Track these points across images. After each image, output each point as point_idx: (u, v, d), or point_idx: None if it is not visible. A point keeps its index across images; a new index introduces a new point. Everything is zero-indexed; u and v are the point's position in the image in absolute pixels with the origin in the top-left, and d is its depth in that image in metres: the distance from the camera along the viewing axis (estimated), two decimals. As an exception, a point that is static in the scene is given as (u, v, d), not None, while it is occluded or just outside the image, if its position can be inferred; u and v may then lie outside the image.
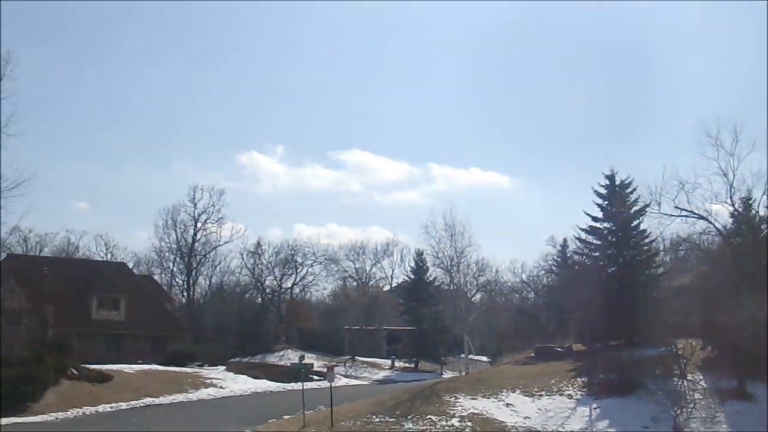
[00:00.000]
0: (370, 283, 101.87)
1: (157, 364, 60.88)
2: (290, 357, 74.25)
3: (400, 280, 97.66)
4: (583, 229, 56.66)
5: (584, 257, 60.83)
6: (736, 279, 44.06)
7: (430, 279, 78.82)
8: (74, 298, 67.17)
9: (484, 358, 75.64)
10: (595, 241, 56.99)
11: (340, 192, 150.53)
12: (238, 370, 64.63)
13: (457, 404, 40.38)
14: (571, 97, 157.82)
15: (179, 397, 49.60)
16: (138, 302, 71.15)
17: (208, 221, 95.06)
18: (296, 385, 48.41)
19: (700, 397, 39.83)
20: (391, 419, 37.46)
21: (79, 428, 37.79)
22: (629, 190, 54.21)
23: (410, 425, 36.64)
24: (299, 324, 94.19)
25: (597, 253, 57.25)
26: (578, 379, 45.26)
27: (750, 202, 47.28)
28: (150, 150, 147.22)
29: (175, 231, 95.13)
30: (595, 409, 40.27)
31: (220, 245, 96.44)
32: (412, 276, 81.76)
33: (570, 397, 42.67)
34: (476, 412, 39.22)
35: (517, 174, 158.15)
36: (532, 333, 72.93)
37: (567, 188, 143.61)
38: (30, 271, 65.55)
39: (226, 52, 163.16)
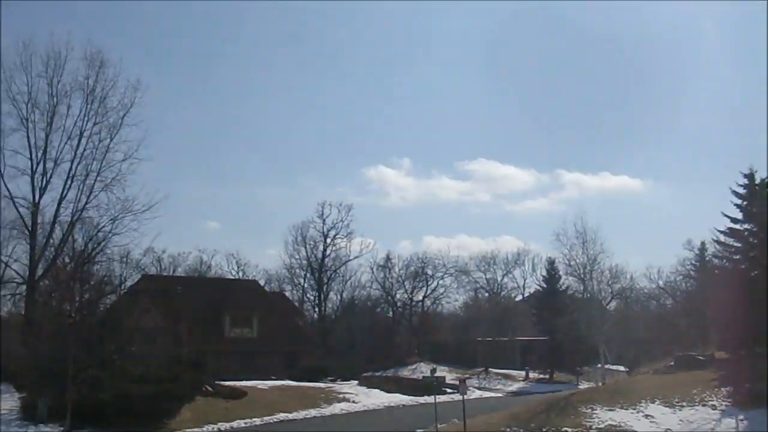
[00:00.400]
0: (502, 293, 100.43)
1: (290, 379, 61.11)
2: (422, 370, 73.44)
3: (532, 290, 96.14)
4: (721, 232, 53.55)
5: (724, 261, 57.71)
6: None
7: (563, 288, 77.08)
8: (208, 316, 68.14)
9: (621, 368, 73.04)
10: (735, 244, 53.92)
11: (468, 202, 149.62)
12: (371, 384, 64.24)
13: (594, 416, 38.72)
14: (699, 94, 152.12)
15: (312, 412, 49.48)
16: (270, 319, 71.74)
17: (337, 236, 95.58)
18: (429, 399, 47.52)
19: None
20: (526, 432, 36.22)
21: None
22: (771, 188, 51.11)
23: (547, 438, 35.31)
24: (431, 336, 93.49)
25: (738, 256, 54.20)
26: (722, 389, 42.64)
27: None
28: (278, 168, 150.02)
29: (305, 247, 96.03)
30: (741, 420, 37.74)
31: (350, 260, 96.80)
32: (545, 285, 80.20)
33: (714, 408, 40.15)
34: (614, 423, 37.46)
35: (649, 177, 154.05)
36: (671, 341, 70.18)
37: (702, 190, 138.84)
38: (164, 290, 66.70)
39: (350, 67, 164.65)
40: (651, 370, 57.91)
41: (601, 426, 37.00)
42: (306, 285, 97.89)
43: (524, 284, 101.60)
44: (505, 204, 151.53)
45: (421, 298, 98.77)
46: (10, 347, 53.01)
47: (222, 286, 78.38)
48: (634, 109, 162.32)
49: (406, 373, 76.59)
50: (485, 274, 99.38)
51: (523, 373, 76.98)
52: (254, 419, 45.36)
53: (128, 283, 65.64)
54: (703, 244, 72.92)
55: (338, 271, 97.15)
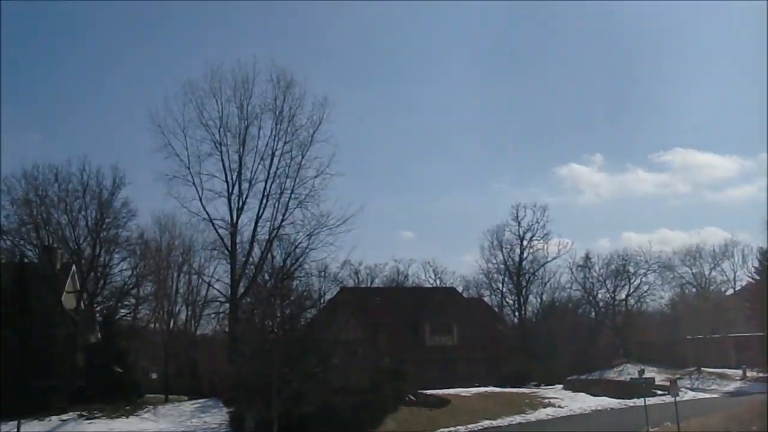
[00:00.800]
0: (711, 288, 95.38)
1: (493, 385, 60.36)
2: (629, 371, 70.65)
3: (743, 283, 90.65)
4: None
5: None
6: None
7: (779, 277, 72.10)
8: (407, 325, 68.52)
9: None
10: None
11: (667, 195, 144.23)
12: (576, 387, 62.47)
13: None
14: None
15: (517, 419, 48.51)
16: (469, 325, 71.35)
17: (533, 238, 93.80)
18: (638, 401, 45.49)
19: None
20: (748, 435, 33.90)
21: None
22: None
23: (771, 440, 32.86)
24: (637, 336, 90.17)
25: None
26: None
27: None
28: (467, 174, 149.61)
29: (501, 251, 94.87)
30: None
31: (548, 262, 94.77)
32: (757, 277, 75.37)
33: None
34: None
35: None
36: None
37: None
38: (363, 302, 67.53)
39: (533, 67, 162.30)
40: None
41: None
42: (504, 289, 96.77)
43: (734, 277, 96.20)
44: (706, 194, 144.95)
45: (623, 297, 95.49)
46: (217, 364, 55.11)
47: (420, 294, 78.66)
48: None
49: (612, 375, 74.02)
50: (691, 269, 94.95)
51: (740, 371, 72.69)
52: (458, 427, 44.84)
53: (327, 297, 67.12)
54: None
55: (536, 273, 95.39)
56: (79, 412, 45.44)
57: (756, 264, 76.30)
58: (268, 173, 61.84)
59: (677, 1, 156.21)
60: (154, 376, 61.16)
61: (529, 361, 75.46)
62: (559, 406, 52.74)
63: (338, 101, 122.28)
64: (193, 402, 50.83)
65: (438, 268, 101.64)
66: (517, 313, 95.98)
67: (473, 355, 69.33)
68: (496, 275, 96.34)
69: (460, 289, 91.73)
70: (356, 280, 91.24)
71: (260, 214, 61.61)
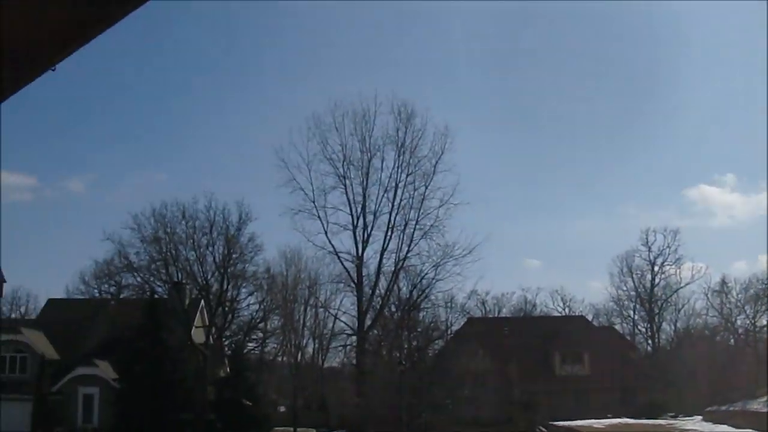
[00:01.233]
0: None
1: (627, 416, 58.19)
2: (775, 402, 67.20)
3: None
4: None
5: None
6: None
7: None
8: (536, 355, 67.03)
9: None
10: None
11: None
12: (717, 419, 59.49)
13: None
14: None
15: (655, 452, 46.45)
16: (601, 354, 69.30)
17: (665, 264, 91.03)
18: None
19: None
20: None
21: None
22: None
23: None
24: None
25: None
26: None
27: None
28: (592, 199, 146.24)
29: (632, 277, 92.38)
30: None
31: (681, 287, 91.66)
32: None
33: None
34: None
35: None
36: None
37: None
38: (491, 332, 66.49)
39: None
40: None
41: None
42: (636, 317, 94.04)
43: None
44: None
45: (765, 323, 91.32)
46: (345, 396, 54.93)
47: (549, 324, 77.06)
48: None
49: (756, 406, 70.24)
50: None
51: None
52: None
53: (454, 328, 66.31)
54: None
55: (669, 299, 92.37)
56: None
57: None
58: (392, 205, 61.96)
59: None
60: (282, 409, 61.54)
61: (664, 390, 72.79)
62: (701, 439, 50.41)
63: (459, 129, 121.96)
64: (321, 435, 50.75)
65: (566, 296, 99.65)
66: (650, 341, 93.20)
67: (606, 385, 67.21)
68: (626, 302, 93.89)
69: (589, 317, 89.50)
70: (483, 311, 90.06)
71: (385, 245, 61.59)
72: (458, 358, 48.87)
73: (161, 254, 56.08)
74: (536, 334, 70.06)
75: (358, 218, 61.48)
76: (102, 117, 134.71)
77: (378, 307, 59.84)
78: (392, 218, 61.49)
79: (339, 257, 61.62)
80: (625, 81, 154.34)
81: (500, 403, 48.83)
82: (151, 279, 57.40)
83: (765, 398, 72.96)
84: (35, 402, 49.68)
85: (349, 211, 61.59)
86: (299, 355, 62.27)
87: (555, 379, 66.58)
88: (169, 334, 50.91)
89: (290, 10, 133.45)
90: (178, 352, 51.49)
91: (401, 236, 61.39)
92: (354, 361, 60.84)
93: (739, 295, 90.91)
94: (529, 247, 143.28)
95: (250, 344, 62.59)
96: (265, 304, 61.48)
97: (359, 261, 61.11)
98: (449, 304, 67.67)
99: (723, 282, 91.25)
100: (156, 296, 54.76)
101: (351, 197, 61.70)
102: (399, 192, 61.78)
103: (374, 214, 61.80)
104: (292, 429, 52.79)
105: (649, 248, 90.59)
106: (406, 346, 47.51)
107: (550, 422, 48.80)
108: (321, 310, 67.19)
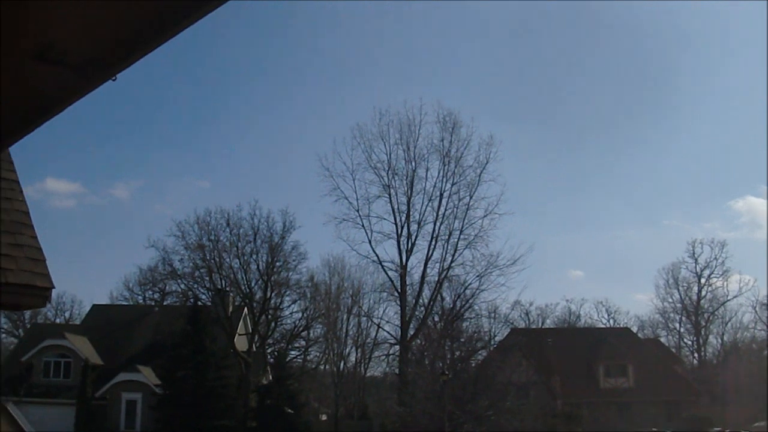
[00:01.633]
0: None
1: (673, 430, 57.42)
2: (826, 418, 65.89)
3: None
4: None
5: None
6: None
7: None
8: (580, 367, 66.41)
9: None
10: None
11: None
12: (766, 434, 58.63)
13: None
14: None
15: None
16: (646, 367, 68.47)
17: (712, 276, 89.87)
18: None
19: None
20: None
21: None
22: None
23: None
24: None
25: None
26: None
27: None
28: (637, 209, 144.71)
29: (678, 290, 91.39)
30: None
31: (728, 300, 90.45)
32: None
33: None
34: None
35: None
36: None
37: None
38: (534, 343, 65.95)
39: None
40: None
41: None
42: (682, 329, 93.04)
43: None
44: None
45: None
46: (387, 406, 54.74)
47: (593, 335, 76.21)
48: None
49: (807, 421, 69.23)
50: None
51: None
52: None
53: (498, 338, 65.82)
54: None
55: (716, 312, 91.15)
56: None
57: None
58: (437, 214, 61.65)
59: None
60: (324, 417, 61.64)
61: (711, 405, 71.73)
62: (748, 454, 49.55)
63: (506, 139, 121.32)
64: (363, 444, 50.63)
65: (611, 307, 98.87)
66: (696, 355, 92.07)
67: (650, 398, 66.37)
68: (672, 315, 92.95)
69: (634, 329, 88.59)
70: (527, 321, 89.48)
71: (429, 255, 61.34)
72: (501, 369, 48.35)
73: (205, 261, 56.44)
74: (580, 346, 69.40)
75: (402, 227, 61.37)
76: (147, 125, 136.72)
77: (421, 316, 59.69)
78: (436, 228, 61.30)
79: (383, 266, 61.61)
80: (672, 93, 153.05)
81: (543, 415, 48.30)
82: (195, 286, 57.84)
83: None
84: (78, 406, 50.11)
85: (393, 220, 61.48)
86: (341, 363, 62.43)
87: (598, 392, 65.85)
88: (211, 341, 51.16)
89: (336, 20, 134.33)
90: (221, 359, 51.71)
91: (445, 246, 61.20)
92: (396, 371, 60.71)
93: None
94: (573, 257, 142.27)
95: (292, 352, 62.82)
96: (308, 312, 61.70)
97: (403, 270, 60.96)
98: (493, 315, 67.24)
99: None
100: (199, 303, 55.13)
101: (395, 206, 61.56)
102: (443, 201, 61.53)
103: (418, 224, 61.66)
104: (333, 437, 52.90)
105: (696, 260, 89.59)
106: (448, 356, 47.17)
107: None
108: (364, 319, 67.31)
